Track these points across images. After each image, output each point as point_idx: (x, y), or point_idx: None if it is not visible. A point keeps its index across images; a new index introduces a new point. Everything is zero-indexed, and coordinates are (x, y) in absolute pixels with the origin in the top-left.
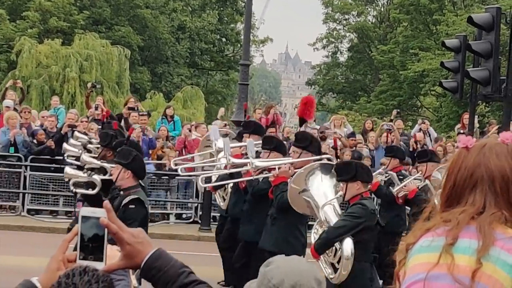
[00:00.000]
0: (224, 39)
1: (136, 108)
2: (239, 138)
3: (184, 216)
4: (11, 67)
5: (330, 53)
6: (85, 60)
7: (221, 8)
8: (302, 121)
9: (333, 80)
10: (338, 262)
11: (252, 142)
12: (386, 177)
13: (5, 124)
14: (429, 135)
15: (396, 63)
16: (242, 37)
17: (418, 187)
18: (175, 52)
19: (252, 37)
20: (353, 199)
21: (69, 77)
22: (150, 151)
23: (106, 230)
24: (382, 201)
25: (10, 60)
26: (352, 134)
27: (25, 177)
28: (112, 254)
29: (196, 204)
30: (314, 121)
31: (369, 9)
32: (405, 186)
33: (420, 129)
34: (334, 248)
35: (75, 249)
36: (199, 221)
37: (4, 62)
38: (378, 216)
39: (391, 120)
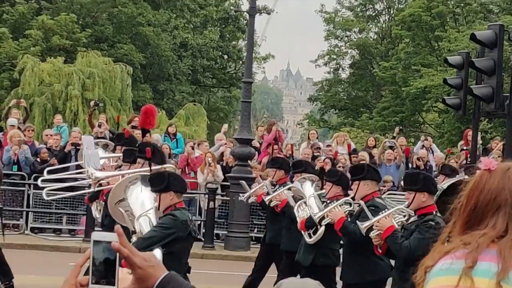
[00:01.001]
0: (226, 56)
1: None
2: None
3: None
4: (14, 85)
5: (332, 70)
6: (88, 78)
7: (223, 26)
8: (144, 132)
9: (335, 97)
10: None
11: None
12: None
13: (9, 143)
14: (432, 152)
15: (398, 80)
16: (244, 54)
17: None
18: (177, 70)
19: (254, 54)
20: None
21: (71, 95)
22: None
23: (117, 254)
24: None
25: (13, 78)
26: (354, 151)
27: (28, 195)
28: (123, 276)
29: (199, 222)
30: (317, 138)
31: (370, 25)
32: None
33: (423, 146)
34: None
35: (86, 273)
36: (202, 239)
37: (7, 80)
38: None
39: (393, 137)
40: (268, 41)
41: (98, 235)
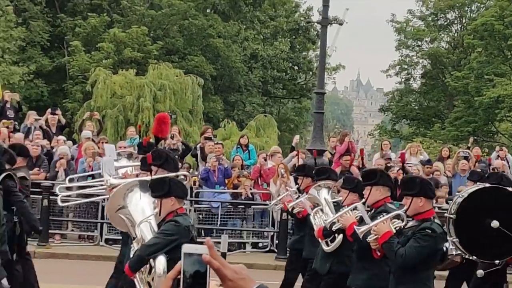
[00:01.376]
0: (296, 67)
1: (211, 138)
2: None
3: (260, 245)
4: (86, 97)
5: (403, 80)
6: (159, 89)
7: (293, 36)
8: (158, 140)
9: (406, 107)
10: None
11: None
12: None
13: (83, 155)
14: (508, 162)
15: (471, 89)
16: (314, 65)
17: None
18: (247, 81)
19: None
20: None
21: (143, 107)
22: (226, 180)
23: (208, 266)
24: None
25: (85, 91)
26: (428, 162)
27: (103, 207)
28: None
29: (272, 233)
30: (390, 148)
31: (442, 35)
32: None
33: (498, 156)
34: (148, 266)
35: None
36: (276, 250)
37: (79, 92)
38: None
39: (468, 148)
40: (338, 51)
41: (189, 247)
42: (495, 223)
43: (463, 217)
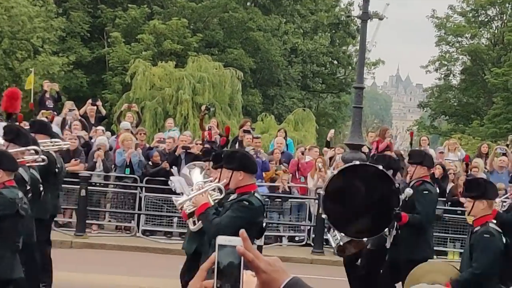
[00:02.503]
0: (335, 62)
1: (250, 131)
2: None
3: (297, 238)
4: (125, 89)
5: (442, 76)
6: (198, 82)
7: (333, 31)
8: (9, 115)
9: (445, 103)
10: None
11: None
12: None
13: (121, 146)
14: None
15: (510, 86)
16: (353, 60)
17: None
18: (287, 75)
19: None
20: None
21: (182, 99)
22: (264, 174)
23: (242, 258)
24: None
25: (124, 82)
26: (467, 159)
27: (140, 198)
28: (247, 279)
29: (309, 227)
30: (428, 144)
31: (482, 31)
32: None
33: None
34: None
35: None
36: (312, 244)
37: (119, 84)
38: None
39: (507, 145)
40: (377, 46)
41: (223, 239)
42: (359, 200)
43: (332, 194)
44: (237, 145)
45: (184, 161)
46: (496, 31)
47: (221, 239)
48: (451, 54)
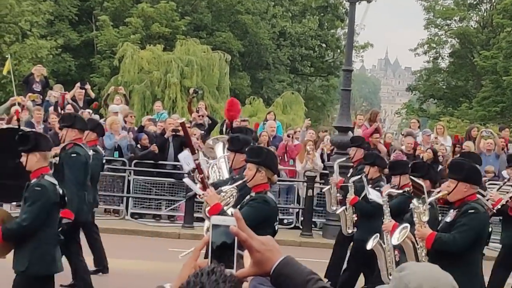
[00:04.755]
0: (324, 45)
1: None
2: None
3: (285, 221)
4: (113, 72)
5: (431, 59)
6: (186, 65)
7: (322, 14)
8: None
9: (434, 86)
10: None
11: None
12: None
13: (108, 129)
14: None
15: (499, 69)
16: (342, 43)
17: None
18: (275, 58)
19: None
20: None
21: (170, 82)
22: None
23: (236, 238)
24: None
25: (113, 66)
26: (458, 142)
27: (129, 181)
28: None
29: (297, 210)
30: (418, 127)
31: (471, 14)
32: None
33: None
34: None
35: (205, 257)
36: (301, 227)
37: (107, 67)
38: None
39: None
40: (366, 29)
41: (217, 219)
42: None
43: None
44: (224, 128)
45: (172, 144)
46: (484, 14)
47: (215, 219)
48: (440, 37)
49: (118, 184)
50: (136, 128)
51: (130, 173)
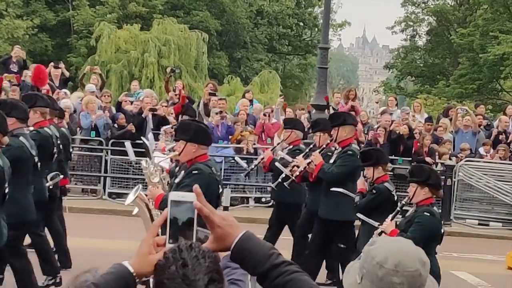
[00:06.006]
0: (301, 24)
1: (215, 93)
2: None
3: (263, 199)
4: (90, 52)
5: (408, 37)
6: (164, 45)
7: None
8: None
9: (411, 64)
10: None
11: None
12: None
13: (85, 109)
14: None
15: (476, 47)
16: (319, 21)
17: None
18: (253, 37)
19: (330, 21)
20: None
21: (147, 62)
22: (230, 136)
23: (195, 214)
24: None
25: (89, 46)
26: (429, 119)
27: (106, 161)
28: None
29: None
30: (396, 105)
31: None
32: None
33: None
34: None
35: (163, 233)
36: None
37: (84, 47)
38: None
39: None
40: (343, 8)
41: (176, 195)
42: None
43: None
44: (202, 106)
45: (151, 122)
46: None
47: (174, 195)
48: (417, 15)
49: (95, 164)
50: (113, 108)
51: (107, 152)
